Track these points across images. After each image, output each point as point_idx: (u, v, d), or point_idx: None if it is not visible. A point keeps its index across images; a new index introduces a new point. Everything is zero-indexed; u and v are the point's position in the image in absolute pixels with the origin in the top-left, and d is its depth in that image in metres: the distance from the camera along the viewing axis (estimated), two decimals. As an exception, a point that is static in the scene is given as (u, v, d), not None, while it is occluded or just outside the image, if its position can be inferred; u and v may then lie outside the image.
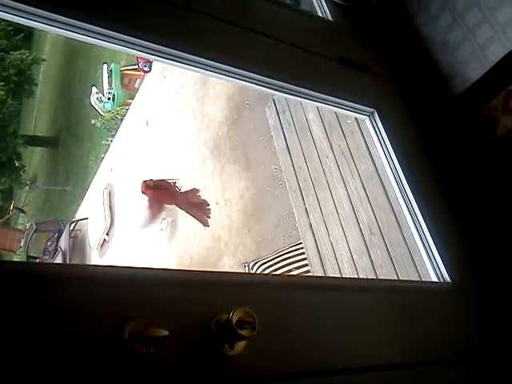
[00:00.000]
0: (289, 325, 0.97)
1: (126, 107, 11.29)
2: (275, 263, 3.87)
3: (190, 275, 0.97)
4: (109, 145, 11.94)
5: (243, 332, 0.81)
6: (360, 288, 1.25)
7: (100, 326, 0.78)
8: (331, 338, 1.03)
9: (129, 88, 11.36)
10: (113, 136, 11.77)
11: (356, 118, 2.83)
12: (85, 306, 0.79)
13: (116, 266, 0.92)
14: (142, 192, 2.08)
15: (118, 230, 9.87)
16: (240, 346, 0.85)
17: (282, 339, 0.94)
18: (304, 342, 0.98)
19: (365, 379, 1.02)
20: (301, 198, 3.46)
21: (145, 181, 2.07)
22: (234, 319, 0.80)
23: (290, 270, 3.68)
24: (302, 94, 1.52)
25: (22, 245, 13.51)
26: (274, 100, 3.97)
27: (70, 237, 11.54)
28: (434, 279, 1.36)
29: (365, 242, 2.87)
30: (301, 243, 3.62)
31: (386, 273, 2.73)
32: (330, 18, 1.85)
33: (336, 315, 1.07)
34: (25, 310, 0.74)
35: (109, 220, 9.93)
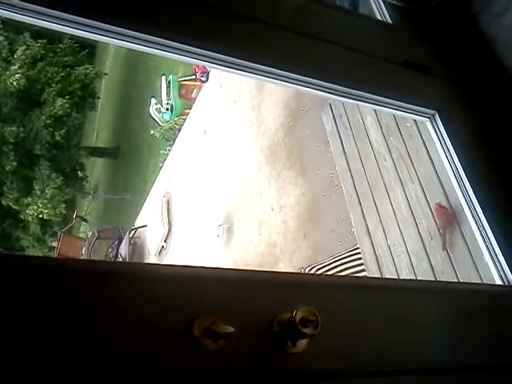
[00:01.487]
0: (350, 325, 0.97)
1: (184, 117, 11.56)
2: (331, 268, 3.84)
3: (253, 275, 0.99)
4: (167, 154, 12.24)
5: (306, 330, 0.81)
6: (421, 289, 1.23)
7: (172, 321, 0.81)
8: (391, 339, 1.02)
9: (186, 98, 11.63)
10: (171, 145, 12.07)
11: (415, 121, 2.78)
12: (155, 303, 0.82)
13: (180, 266, 0.94)
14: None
15: (175, 237, 10.09)
16: (302, 343, 0.86)
17: (343, 338, 0.94)
18: (364, 341, 0.97)
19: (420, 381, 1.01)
20: (358, 203, 3.42)
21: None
22: (298, 317, 0.81)
23: (347, 276, 3.64)
24: (364, 98, 1.52)
25: (83, 252, 14.08)
26: (330, 105, 3.96)
27: (130, 244, 11.92)
28: (499, 282, 1.33)
29: (424, 246, 2.81)
30: (357, 248, 3.58)
31: (446, 278, 2.66)
32: (389, 20, 1.83)
33: (396, 317, 1.06)
34: (99, 307, 0.78)
35: (167, 227, 10.18)
